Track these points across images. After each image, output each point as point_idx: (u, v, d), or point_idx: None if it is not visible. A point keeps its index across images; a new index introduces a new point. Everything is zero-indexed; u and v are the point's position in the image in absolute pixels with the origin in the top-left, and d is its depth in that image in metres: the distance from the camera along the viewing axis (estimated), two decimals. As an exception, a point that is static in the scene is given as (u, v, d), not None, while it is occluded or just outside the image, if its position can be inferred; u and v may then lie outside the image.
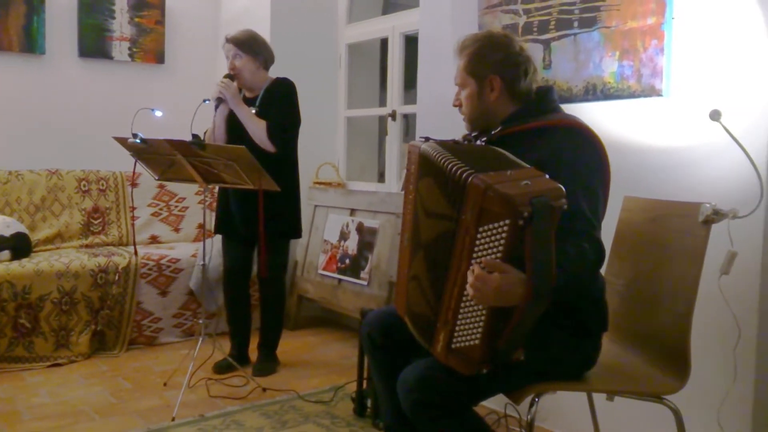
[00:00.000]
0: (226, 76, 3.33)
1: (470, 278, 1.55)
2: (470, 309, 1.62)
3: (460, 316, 1.64)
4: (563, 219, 1.57)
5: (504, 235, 1.52)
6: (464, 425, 1.79)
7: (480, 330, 1.61)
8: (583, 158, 1.80)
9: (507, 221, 1.50)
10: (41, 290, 3.57)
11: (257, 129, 3.27)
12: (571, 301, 1.81)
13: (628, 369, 1.95)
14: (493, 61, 1.92)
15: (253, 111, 3.33)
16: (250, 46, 3.36)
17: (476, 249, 1.57)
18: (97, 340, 3.78)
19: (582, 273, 1.72)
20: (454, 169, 1.64)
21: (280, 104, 3.34)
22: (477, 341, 1.62)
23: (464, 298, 1.62)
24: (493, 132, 1.92)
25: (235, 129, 3.35)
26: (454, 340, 1.66)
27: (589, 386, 1.89)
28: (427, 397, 1.74)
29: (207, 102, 3.32)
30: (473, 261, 1.58)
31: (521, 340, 1.62)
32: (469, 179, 1.58)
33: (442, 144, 1.86)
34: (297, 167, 3.48)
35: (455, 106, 2.03)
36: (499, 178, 1.55)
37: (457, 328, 1.65)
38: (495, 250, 1.54)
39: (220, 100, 3.29)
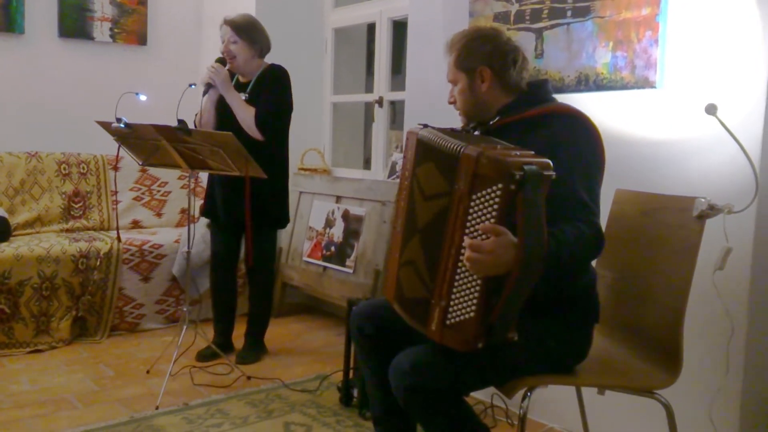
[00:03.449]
0: (218, 60, 3.28)
1: (466, 252, 1.57)
2: (465, 281, 1.62)
3: (454, 290, 1.64)
4: (562, 205, 1.65)
5: (497, 200, 1.55)
6: (455, 413, 1.79)
7: (475, 302, 1.61)
8: (582, 146, 1.82)
9: (500, 185, 1.54)
10: (21, 275, 3.51)
11: (246, 116, 3.22)
12: (563, 292, 1.83)
13: (619, 363, 1.95)
14: (481, 54, 1.93)
15: (244, 97, 3.28)
16: (248, 32, 3.28)
17: (469, 218, 1.60)
18: (78, 326, 3.73)
19: (576, 249, 1.71)
20: (450, 146, 1.68)
21: (271, 92, 3.28)
22: (472, 314, 1.62)
23: (458, 270, 1.63)
24: (491, 122, 1.93)
25: (224, 114, 3.29)
26: (449, 315, 1.66)
27: (580, 380, 1.89)
28: (421, 383, 1.73)
29: (193, 86, 3.26)
30: (467, 230, 1.60)
31: (515, 314, 1.63)
32: (462, 150, 1.63)
33: (441, 130, 1.85)
34: (286, 157, 3.43)
35: (450, 103, 2.04)
36: (491, 147, 1.63)
37: (451, 303, 1.65)
38: (488, 216, 1.57)
39: (209, 86, 3.24)
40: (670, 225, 1.97)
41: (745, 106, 2.15)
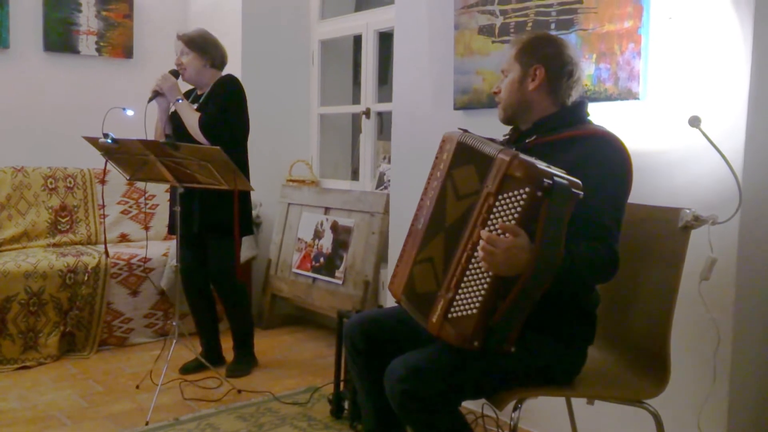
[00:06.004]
0: (170, 71, 3.34)
1: (482, 243, 1.61)
2: (474, 277, 1.66)
3: (462, 285, 1.68)
4: (584, 226, 1.68)
5: (522, 203, 1.59)
6: (449, 421, 1.80)
7: (480, 299, 1.64)
8: (612, 169, 1.83)
9: (527, 189, 1.58)
10: (8, 291, 3.49)
11: (191, 120, 3.25)
12: (566, 309, 1.85)
13: (608, 374, 1.96)
14: (543, 53, 1.94)
15: (195, 107, 3.32)
16: (197, 43, 3.35)
17: (492, 216, 1.64)
18: (67, 341, 3.71)
19: (590, 270, 1.74)
20: (488, 149, 1.73)
21: (217, 98, 3.31)
22: (474, 311, 1.65)
23: (470, 266, 1.67)
24: (527, 141, 1.94)
25: (177, 123, 3.33)
26: (452, 309, 1.69)
27: (570, 391, 1.90)
28: (415, 389, 1.73)
29: (180, 101, 3.28)
30: (487, 228, 1.63)
31: (516, 324, 1.66)
32: (499, 153, 1.68)
33: (481, 137, 1.88)
34: (245, 165, 3.38)
35: (494, 93, 2.04)
36: (526, 155, 1.67)
37: (457, 297, 1.69)
38: (510, 216, 1.61)
39: (156, 93, 3.28)
40: (656, 236, 2.00)
41: (728, 118, 2.18)
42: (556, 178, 1.57)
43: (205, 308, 3.56)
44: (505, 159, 1.64)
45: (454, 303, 1.69)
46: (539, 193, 1.57)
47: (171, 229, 3.49)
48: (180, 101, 3.29)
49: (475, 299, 1.65)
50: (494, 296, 1.63)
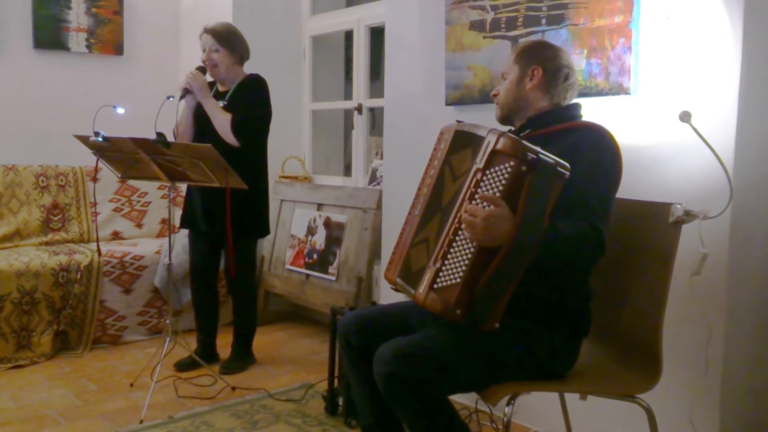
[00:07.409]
0: (198, 68, 3.30)
1: (464, 215, 1.66)
2: (460, 248, 1.71)
3: (449, 256, 1.73)
4: (571, 206, 1.74)
5: (506, 175, 1.65)
6: (437, 408, 1.80)
7: (464, 269, 1.69)
8: (602, 157, 1.89)
9: (512, 163, 1.64)
10: (0, 290, 3.47)
11: (222, 121, 3.23)
12: (561, 301, 1.87)
13: (600, 369, 1.98)
14: (541, 56, 2.04)
15: (222, 105, 3.29)
16: (229, 39, 3.31)
17: (479, 190, 1.69)
18: (60, 340, 3.70)
19: (574, 245, 1.76)
20: (482, 132, 1.79)
21: (248, 99, 3.29)
22: (458, 280, 1.69)
23: (457, 238, 1.72)
24: (521, 135, 1.99)
25: (204, 123, 3.30)
26: (438, 279, 1.74)
27: (562, 386, 1.92)
28: (402, 372, 1.75)
29: (170, 99, 3.26)
30: (474, 201, 1.69)
31: (500, 296, 1.69)
32: (488, 133, 1.75)
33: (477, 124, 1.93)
34: (265, 165, 3.43)
35: (493, 95, 2.13)
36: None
37: (444, 267, 1.73)
38: (495, 189, 1.67)
39: (186, 91, 3.25)
40: (647, 231, 2.00)
41: (718, 113, 2.19)
42: (540, 155, 1.63)
43: (209, 304, 3.57)
44: (493, 136, 1.71)
45: (441, 273, 1.74)
46: (524, 167, 1.63)
47: (183, 223, 3.49)
48: (208, 100, 3.26)
49: (459, 268, 1.70)
50: (478, 266, 1.68)
